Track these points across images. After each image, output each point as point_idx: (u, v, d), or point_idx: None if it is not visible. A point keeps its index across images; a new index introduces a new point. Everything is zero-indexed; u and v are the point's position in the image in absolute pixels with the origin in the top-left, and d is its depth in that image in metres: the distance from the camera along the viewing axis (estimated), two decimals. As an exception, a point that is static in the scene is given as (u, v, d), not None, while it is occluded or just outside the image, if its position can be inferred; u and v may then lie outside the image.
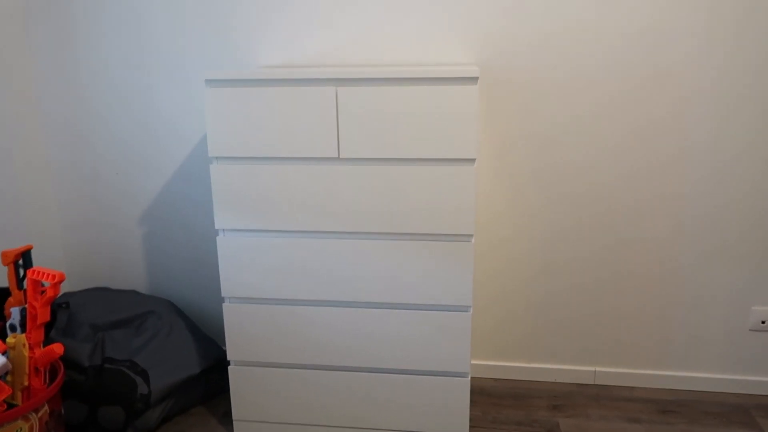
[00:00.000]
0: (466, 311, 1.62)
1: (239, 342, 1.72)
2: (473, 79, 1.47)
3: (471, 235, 1.57)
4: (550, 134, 1.87)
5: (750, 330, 1.96)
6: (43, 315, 1.48)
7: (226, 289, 1.68)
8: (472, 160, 1.52)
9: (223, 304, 1.70)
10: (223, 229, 1.65)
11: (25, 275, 1.65)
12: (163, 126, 2.02)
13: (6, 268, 1.80)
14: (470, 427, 1.82)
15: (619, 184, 1.89)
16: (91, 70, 2.00)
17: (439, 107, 1.48)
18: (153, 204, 2.11)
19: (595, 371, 2.06)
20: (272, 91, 1.52)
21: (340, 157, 1.55)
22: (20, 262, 1.67)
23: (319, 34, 1.87)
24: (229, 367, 1.75)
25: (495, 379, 2.11)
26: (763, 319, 1.94)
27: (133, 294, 2.09)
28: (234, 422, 1.79)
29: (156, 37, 1.95)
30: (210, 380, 1.98)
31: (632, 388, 2.04)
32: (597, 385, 2.06)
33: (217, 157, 1.60)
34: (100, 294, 2.03)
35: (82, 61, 2.00)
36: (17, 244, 1.96)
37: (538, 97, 1.84)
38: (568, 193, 1.91)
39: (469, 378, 1.67)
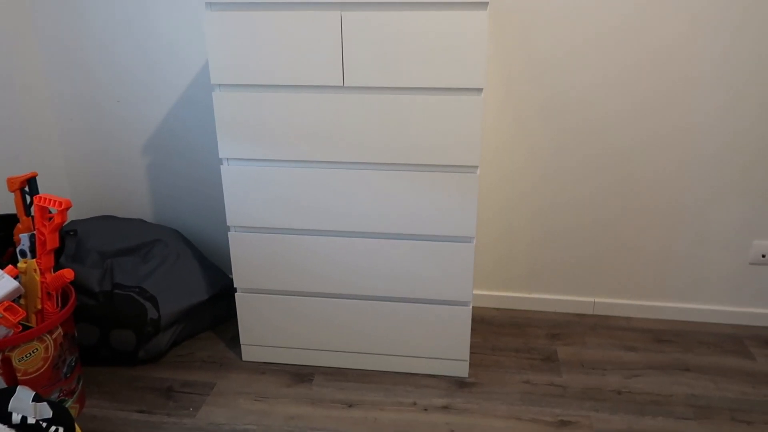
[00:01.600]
0: (470, 242, 1.63)
1: (245, 270, 1.75)
2: (483, 4, 1.42)
3: (476, 167, 1.56)
4: (555, 63, 1.82)
5: (750, 263, 1.98)
6: (52, 241, 1.51)
7: (231, 219, 1.70)
8: (480, 90, 1.49)
9: (229, 233, 1.72)
10: (227, 158, 1.64)
11: (32, 202, 1.66)
12: (164, 52, 1.98)
13: (11, 196, 1.82)
14: (471, 353, 1.88)
15: (622, 119, 1.86)
16: (87, -8, 1.94)
17: (447, 34, 1.44)
18: (156, 132, 2.09)
19: (594, 302, 2.10)
20: (274, 15, 1.47)
21: (345, 85, 1.52)
22: (26, 189, 1.68)
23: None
24: (236, 294, 1.79)
25: (496, 309, 2.16)
26: (764, 253, 1.96)
27: (140, 222, 2.11)
28: (242, 346, 1.85)
29: (153, -43, 1.87)
30: (217, 306, 2.03)
31: (630, 318, 2.09)
32: (595, 315, 2.11)
33: (219, 85, 1.57)
34: (107, 222, 2.05)
35: (77, -18, 1.93)
36: (21, 173, 1.96)
37: (544, 23, 1.78)
38: (573, 128, 1.89)
39: (471, 307, 1.70)
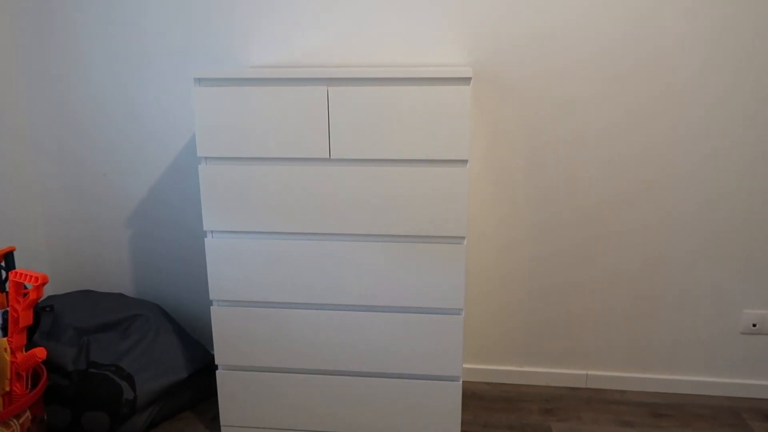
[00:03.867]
0: (458, 314, 1.60)
1: (227, 346, 1.69)
2: (466, 80, 1.45)
3: (463, 237, 1.55)
4: (537, 130, 1.86)
5: (741, 333, 1.96)
6: (26, 318, 1.45)
7: (214, 292, 1.66)
8: (465, 161, 1.51)
9: (211, 307, 1.67)
10: (212, 231, 1.62)
11: (7, 277, 1.61)
12: (152, 125, 1.99)
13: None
14: (462, 431, 1.80)
15: (604, 180, 1.88)
16: (79, 67, 1.97)
17: (431, 108, 1.47)
18: (139, 204, 2.07)
19: (587, 374, 2.05)
20: (262, 91, 1.50)
21: (331, 157, 1.53)
22: (2, 263, 1.63)
23: (311, 34, 1.85)
24: (217, 371, 1.71)
25: (487, 383, 2.09)
26: (755, 322, 1.94)
27: (119, 297, 2.05)
28: (222, 427, 1.76)
29: (145, 36, 1.92)
30: (198, 384, 1.94)
31: (624, 391, 2.03)
32: (589, 388, 2.05)
33: (206, 157, 1.57)
34: (85, 297, 2.00)
35: (67, 59, 1.96)
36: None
37: (526, 94, 1.83)
38: (555, 191, 1.90)
39: (461, 382, 1.65)
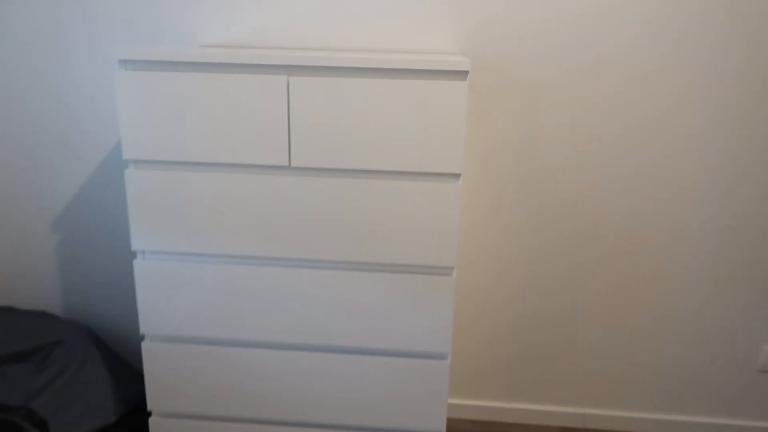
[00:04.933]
0: (444, 359, 1.32)
1: (162, 388, 1.38)
2: (462, 74, 1.16)
3: (452, 268, 1.27)
4: (535, 139, 1.58)
5: (759, 371, 1.72)
6: None
7: (145, 325, 1.35)
8: (457, 176, 1.22)
9: (143, 343, 1.37)
10: (143, 251, 1.31)
11: None
12: (78, 115, 1.65)
13: None
14: (443, 487, 1.53)
15: (611, 197, 1.61)
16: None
17: (419, 108, 1.17)
18: (67, 207, 1.74)
19: (584, 413, 1.80)
20: (206, 79, 1.19)
21: (292, 165, 1.23)
22: None
23: (274, 8, 1.53)
24: (150, 419, 1.41)
25: (471, 421, 1.83)
26: (776, 360, 1.71)
27: (41, 317, 1.72)
28: (156, 483, 1.46)
29: (72, 9, 1.57)
30: (131, 427, 1.63)
31: (626, 433, 1.79)
32: (587, 429, 1.80)
33: (134, 161, 1.26)
34: (1, 316, 1.67)
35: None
36: None
37: (532, 95, 1.55)
38: (556, 208, 1.63)
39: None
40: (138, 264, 1.31)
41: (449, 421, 1.82)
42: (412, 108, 1.17)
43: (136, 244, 1.29)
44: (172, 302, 1.32)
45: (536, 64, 1.52)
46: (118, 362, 1.68)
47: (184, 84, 1.19)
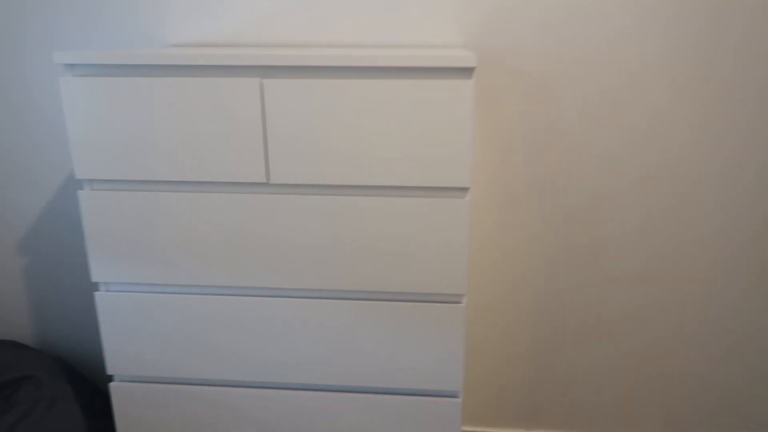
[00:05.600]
0: (455, 397, 1.15)
1: (135, 435, 1.22)
2: (467, 71, 0.98)
3: (461, 295, 1.09)
4: (547, 138, 1.39)
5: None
6: None
7: (112, 365, 1.18)
8: (464, 190, 1.04)
9: (111, 384, 1.20)
10: (105, 283, 1.14)
11: None
12: (45, 123, 1.48)
13: None
14: None
15: (636, 201, 1.43)
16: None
17: (416, 112, 0.99)
18: (37, 223, 1.58)
19: (611, 440, 1.62)
20: (167, 84, 1.01)
21: (270, 182, 1.05)
22: None
23: (251, 0, 1.35)
24: (123, 468, 1.26)
25: (485, 450, 1.66)
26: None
27: (10, 347, 1.56)
28: None
29: (23, 10, 1.39)
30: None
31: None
32: (614, 457, 1.63)
33: (90, 180, 1.09)
34: (-37, 348, 1.51)
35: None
36: None
37: (546, 92, 1.36)
38: (574, 217, 1.45)
39: (456, 483, 1.21)
40: (101, 297, 1.14)
41: (461, 450, 1.65)
42: (410, 112, 0.99)
43: (97, 275, 1.12)
44: (140, 338, 1.15)
45: (546, 56, 1.33)
46: (93, 399, 1.52)
47: (143, 92, 1.01)
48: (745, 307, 1.48)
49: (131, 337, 1.15)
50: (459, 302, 1.09)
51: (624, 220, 1.44)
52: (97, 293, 1.14)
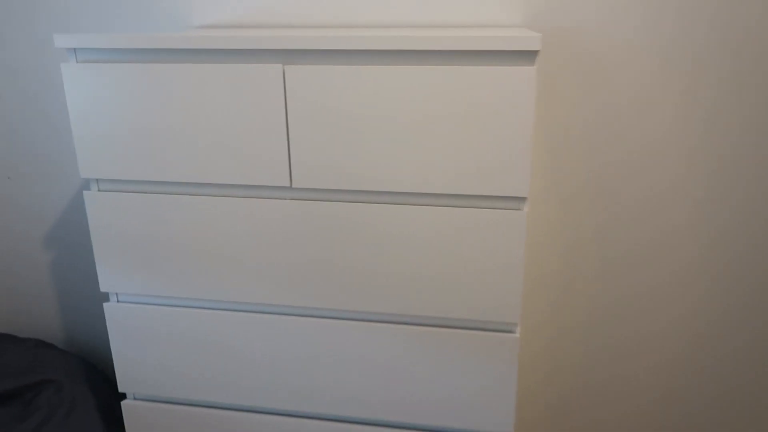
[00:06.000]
0: (503, 439, 0.98)
1: (149, 457, 1.12)
2: (530, 55, 0.80)
3: (515, 324, 0.92)
4: (611, 138, 1.19)
5: None
6: None
7: (124, 382, 1.08)
8: (522, 200, 0.86)
9: (123, 403, 1.10)
10: (116, 293, 1.03)
11: None
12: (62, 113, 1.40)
13: None
14: None
15: (704, 197, 1.21)
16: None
17: (462, 104, 0.82)
18: (63, 216, 1.50)
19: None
20: (180, 71, 0.88)
21: (294, 186, 0.91)
22: None
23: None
24: (137, 491, 1.16)
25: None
26: None
27: (35, 348, 1.50)
28: None
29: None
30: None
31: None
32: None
33: (95, 180, 0.97)
34: (-11, 346, 1.46)
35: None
36: None
37: (617, 81, 1.15)
38: (630, 217, 1.24)
39: None
40: (110, 309, 1.03)
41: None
42: (457, 105, 0.82)
43: (105, 284, 1.02)
44: (153, 354, 1.04)
45: (624, 35, 1.12)
46: (115, 404, 1.44)
47: (154, 83, 0.88)
48: None
49: (143, 352, 1.04)
50: (513, 331, 0.92)
51: (692, 215, 1.22)
52: (106, 304, 1.03)
